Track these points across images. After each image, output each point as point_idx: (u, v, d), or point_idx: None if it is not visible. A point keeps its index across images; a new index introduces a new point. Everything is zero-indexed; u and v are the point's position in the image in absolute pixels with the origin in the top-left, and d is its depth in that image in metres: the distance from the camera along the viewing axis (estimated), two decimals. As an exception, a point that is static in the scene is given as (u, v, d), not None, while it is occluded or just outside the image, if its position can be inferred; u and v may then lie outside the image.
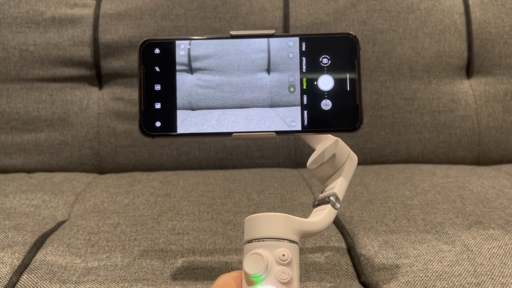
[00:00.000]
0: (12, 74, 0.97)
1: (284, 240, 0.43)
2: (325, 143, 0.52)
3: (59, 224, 0.71)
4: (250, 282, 0.42)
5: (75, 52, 0.98)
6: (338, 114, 0.49)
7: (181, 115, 0.50)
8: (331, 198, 0.49)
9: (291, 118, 0.49)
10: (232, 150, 0.98)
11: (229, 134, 0.49)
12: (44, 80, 0.98)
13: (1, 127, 0.97)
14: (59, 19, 0.98)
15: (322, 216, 0.47)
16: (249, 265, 0.42)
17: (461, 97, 1.00)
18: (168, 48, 0.50)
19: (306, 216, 0.49)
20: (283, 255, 0.42)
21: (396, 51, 0.99)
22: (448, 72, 1.00)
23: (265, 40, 0.50)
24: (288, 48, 0.50)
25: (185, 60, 0.51)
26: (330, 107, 0.49)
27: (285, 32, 0.99)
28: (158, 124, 0.50)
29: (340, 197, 0.49)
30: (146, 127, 0.50)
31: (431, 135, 0.99)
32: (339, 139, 0.52)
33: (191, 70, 0.51)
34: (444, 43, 0.99)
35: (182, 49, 0.51)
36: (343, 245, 0.63)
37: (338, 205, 0.48)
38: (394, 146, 0.99)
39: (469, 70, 1.02)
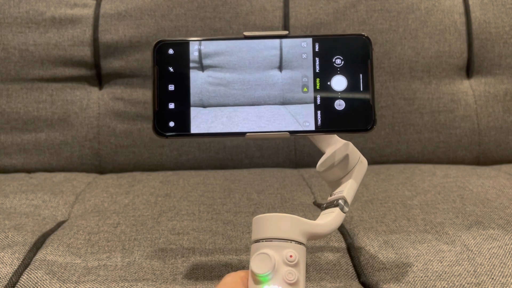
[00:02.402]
0: (12, 74, 0.97)
1: (292, 241, 0.43)
2: (335, 146, 0.52)
3: (59, 224, 0.71)
4: (257, 281, 0.42)
5: (75, 52, 0.98)
6: (351, 114, 0.49)
7: (192, 112, 0.50)
8: (340, 201, 0.49)
9: (303, 117, 0.49)
10: (232, 150, 0.98)
11: (242, 134, 0.49)
12: (44, 80, 0.98)
13: (1, 127, 0.97)
14: (59, 19, 0.98)
15: (330, 218, 0.47)
16: (257, 264, 0.42)
17: (461, 97, 1.00)
18: (182, 48, 0.50)
19: (306, 216, 0.49)
20: (291, 256, 0.42)
21: (396, 51, 0.99)
22: (448, 72, 1.00)
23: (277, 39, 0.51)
24: (301, 49, 0.50)
25: (196, 57, 0.51)
26: (343, 107, 0.49)
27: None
28: (171, 124, 0.50)
29: (349, 200, 0.49)
30: (160, 127, 0.50)
31: (431, 135, 0.99)
32: (350, 143, 0.51)
33: (202, 67, 0.50)
34: (444, 43, 0.99)
35: (195, 49, 0.51)
36: (343, 245, 0.63)
37: (346, 209, 0.49)
38: (394, 146, 0.99)
39: (469, 70, 1.02)
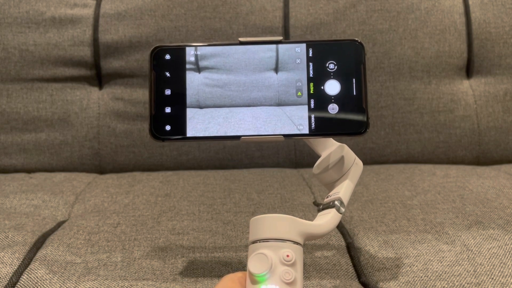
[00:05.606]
0: (12, 74, 0.97)
1: (289, 241, 0.43)
2: (331, 149, 0.52)
3: (59, 224, 0.71)
4: (254, 281, 0.42)
5: (75, 52, 0.98)
6: (345, 118, 0.50)
7: (188, 113, 0.51)
8: (336, 202, 0.49)
9: (298, 119, 0.50)
10: (232, 150, 0.98)
11: (237, 137, 0.50)
12: (44, 80, 0.98)
13: (1, 127, 0.97)
14: (59, 19, 0.98)
15: (327, 219, 0.48)
16: (254, 264, 0.42)
17: (461, 97, 1.00)
18: (178, 53, 0.51)
19: (306, 216, 0.49)
20: (287, 255, 0.42)
21: (396, 51, 0.99)
22: (448, 72, 1.00)
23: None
24: (295, 54, 0.51)
25: (193, 60, 0.51)
26: (337, 111, 0.50)
27: (286, 32, 0.99)
28: (168, 128, 0.51)
29: (345, 201, 0.50)
30: (157, 131, 0.50)
31: (431, 135, 0.99)
32: (345, 145, 0.52)
33: (198, 69, 0.51)
34: (444, 43, 0.99)
35: (191, 53, 0.52)
36: (343, 245, 0.63)
37: (342, 209, 0.49)
38: (394, 146, 0.99)
39: (469, 70, 1.02)
